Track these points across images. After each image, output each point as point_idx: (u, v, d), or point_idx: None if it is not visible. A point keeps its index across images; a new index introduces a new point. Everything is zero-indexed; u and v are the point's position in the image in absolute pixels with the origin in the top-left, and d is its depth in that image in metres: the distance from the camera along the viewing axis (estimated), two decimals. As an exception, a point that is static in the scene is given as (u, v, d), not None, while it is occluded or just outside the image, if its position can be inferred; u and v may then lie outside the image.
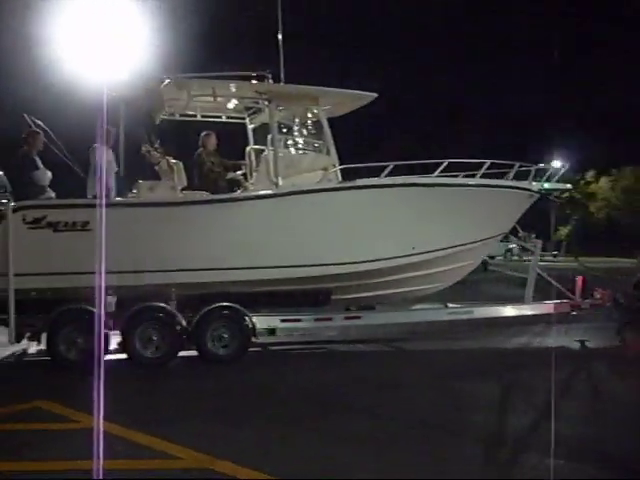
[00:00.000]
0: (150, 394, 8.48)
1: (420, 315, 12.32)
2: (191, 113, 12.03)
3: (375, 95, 11.60)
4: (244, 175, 11.96)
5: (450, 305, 12.71)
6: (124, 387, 8.13)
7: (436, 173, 11.48)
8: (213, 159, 11.65)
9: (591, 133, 43.98)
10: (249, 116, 12.37)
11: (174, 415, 7.30)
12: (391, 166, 11.16)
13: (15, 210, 9.41)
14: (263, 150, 11.99)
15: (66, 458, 5.73)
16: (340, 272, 10.86)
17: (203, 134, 11.76)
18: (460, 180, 11.93)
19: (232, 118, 12.48)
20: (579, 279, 13.18)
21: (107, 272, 9.59)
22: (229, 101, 11.65)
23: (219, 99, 11.53)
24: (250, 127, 12.47)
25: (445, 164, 11.45)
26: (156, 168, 11.52)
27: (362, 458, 5.93)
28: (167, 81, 10.65)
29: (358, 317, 11.55)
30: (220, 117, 12.38)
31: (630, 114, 46.97)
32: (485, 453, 6.14)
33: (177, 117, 12.02)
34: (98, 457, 5.19)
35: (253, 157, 12.11)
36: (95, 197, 10.46)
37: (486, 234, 12.39)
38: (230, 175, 11.84)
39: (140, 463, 5.66)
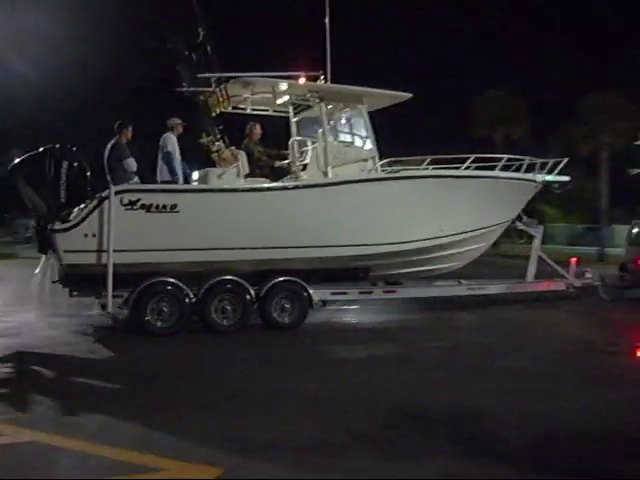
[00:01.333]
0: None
1: (444, 290, 14.00)
2: (241, 106, 13.29)
3: (410, 95, 13.15)
4: (288, 164, 13.30)
5: (464, 282, 14.42)
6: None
7: (463, 167, 13.14)
8: (260, 148, 13.00)
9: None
10: (294, 111, 13.66)
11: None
12: (428, 159, 12.76)
13: (115, 193, 10.58)
14: (305, 142, 13.42)
15: None
16: (380, 252, 12.37)
17: (250, 124, 13.09)
18: (481, 172, 13.61)
19: (277, 112, 13.77)
20: (573, 260, 15.09)
21: (191, 249, 11.01)
22: (280, 97, 12.93)
23: (270, 95, 12.83)
24: (293, 120, 13.77)
25: (471, 158, 13.13)
26: (213, 156, 12.78)
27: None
28: (235, 79, 11.98)
29: (394, 291, 13.13)
30: (267, 111, 13.68)
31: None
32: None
33: (230, 110, 13.21)
34: None
35: (296, 148, 13.40)
36: (169, 182, 11.74)
37: (500, 219, 14.14)
38: (278, 163, 13.21)
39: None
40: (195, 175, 12.48)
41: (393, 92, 13.14)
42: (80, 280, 11.00)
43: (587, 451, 5.76)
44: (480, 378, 8.31)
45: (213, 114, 12.87)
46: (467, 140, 37.14)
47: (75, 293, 11.27)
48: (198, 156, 13.47)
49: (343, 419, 6.48)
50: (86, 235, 10.60)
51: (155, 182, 11.83)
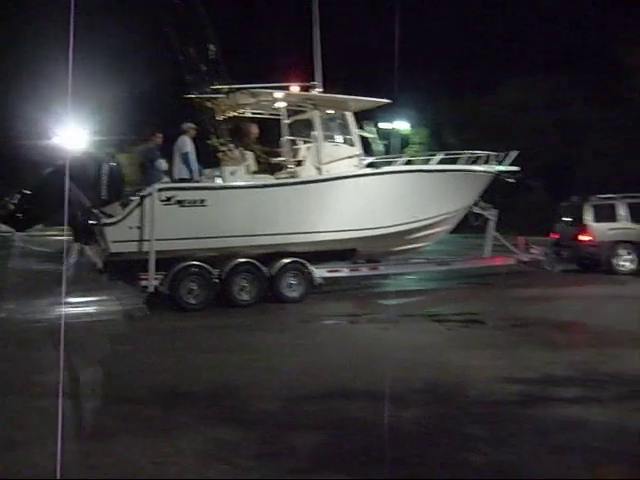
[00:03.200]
0: None
1: (417, 267, 16.40)
2: (242, 111, 15.26)
3: (389, 101, 15.42)
4: (282, 161, 15.31)
5: (431, 259, 16.87)
6: None
7: (433, 162, 15.52)
8: (257, 147, 15.00)
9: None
10: (287, 114, 15.64)
11: None
12: (404, 158, 15.08)
13: (157, 191, 12.47)
14: (295, 141, 15.48)
15: None
16: (365, 235, 14.61)
17: (245, 125, 15.08)
18: (447, 166, 16.02)
19: (272, 115, 15.77)
20: (521, 239, 17.75)
21: (217, 237, 13.00)
22: (279, 103, 14.93)
23: (270, 102, 14.86)
24: (285, 122, 15.74)
25: (440, 156, 15.55)
26: (219, 155, 14.73)
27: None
28: (245, 90, 13.97)
29: (377, 268, 15.43)
30: (263, 114, 15.70)
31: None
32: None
33: (231, 115, 15.14)
34: None
35: (288, 146, 15.42)
36: (187, 179, 13.58)
37: (462, 205, 16.61)
38: (275, 160, 15.24)
39: None
40: (208, 173, 14.38)
41: (374, 99, 15.39)
42: (121, 266, 12.84)
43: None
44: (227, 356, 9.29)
45: (221, 118, 14.83)
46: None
47: (114, 278, 13.18)
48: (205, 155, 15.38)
49: (108, 401, 7.04)
50: (130, 227, 12.45)
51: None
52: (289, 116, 15.69)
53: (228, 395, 7.28)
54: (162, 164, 13.30)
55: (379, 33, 46.37)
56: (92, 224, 12.61)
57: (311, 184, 14.26)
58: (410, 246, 16.04)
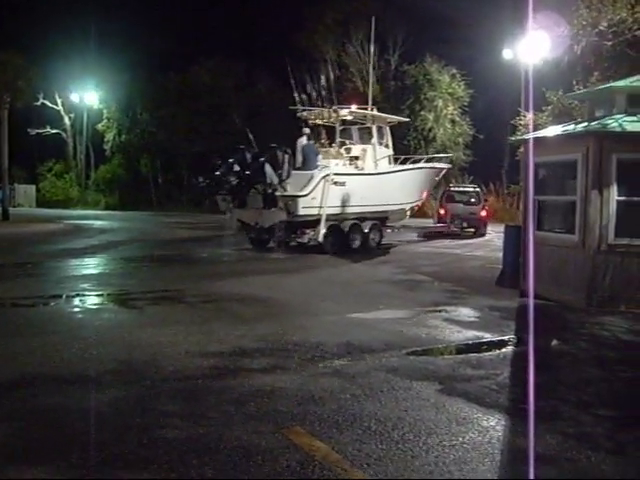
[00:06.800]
0: None
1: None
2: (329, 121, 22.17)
3: (408, 120, 23.60)
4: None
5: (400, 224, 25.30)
6: None
7: (437, 161, 24.19)
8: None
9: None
10: (340, 123, 22.72)
11: None
12: (425, 158, 23.45)
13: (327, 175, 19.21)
14: (344, 142, 22.75)
15: None
16: (393, 209, 22.58)
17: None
18: (435, 164, 24.90)
19: (330, 123, 22.72)
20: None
21: (350, 205, 20.13)
22: (348, 117, 22.08)
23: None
24: (339, 129, 22.82)
25: (428, 156, 24.20)
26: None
27: None
28: (346, 109, 21.17)
29: (399, 229, 23.52)
30: (326, 123, 22.65)
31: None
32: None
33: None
34: None
35: (338, 147, 22.58)
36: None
37: (432, 187, 25.40)
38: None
39: None
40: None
41: (399, 117, 23.51)
42: (297, 226, 19.29)
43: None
44: None
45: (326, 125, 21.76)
46: None
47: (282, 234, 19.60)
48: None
49: None
50: (313, 198, 18.95)
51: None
52: (341, 124, 22.93)
53: None
54: (320, 157, 19.95)
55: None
56: (278, 195, 18.78)
57: (392, 174, 22.02)
58: (407, 216, 24.39)
